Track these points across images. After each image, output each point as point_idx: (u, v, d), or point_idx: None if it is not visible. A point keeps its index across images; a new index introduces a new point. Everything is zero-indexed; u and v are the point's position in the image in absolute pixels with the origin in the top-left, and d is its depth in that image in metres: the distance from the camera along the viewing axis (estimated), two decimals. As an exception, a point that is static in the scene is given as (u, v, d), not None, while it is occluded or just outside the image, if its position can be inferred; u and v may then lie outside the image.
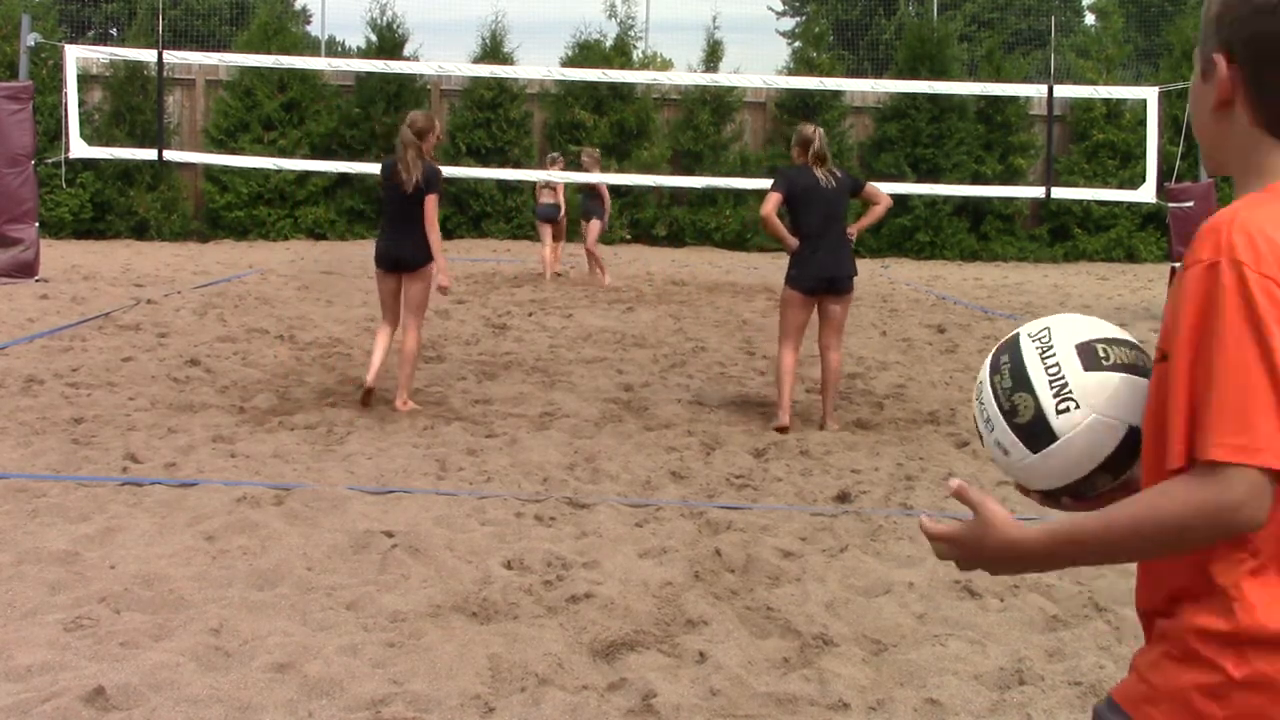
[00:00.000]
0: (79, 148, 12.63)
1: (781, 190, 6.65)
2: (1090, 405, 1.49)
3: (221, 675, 3.30)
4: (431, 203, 6.68)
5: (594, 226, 13.72)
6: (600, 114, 20.63)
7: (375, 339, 7.05)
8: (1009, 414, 1.53)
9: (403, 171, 6.60)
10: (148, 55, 14.20)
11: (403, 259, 6.72)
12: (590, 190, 13.98)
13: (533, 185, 16.21)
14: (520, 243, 19.66)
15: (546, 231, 14.37)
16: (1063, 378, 1.51)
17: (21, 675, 3.25)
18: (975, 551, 1.45)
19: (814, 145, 6.75)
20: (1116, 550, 1.35)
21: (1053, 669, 3.51)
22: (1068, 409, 1.50)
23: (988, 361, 1.62)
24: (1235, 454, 1.24)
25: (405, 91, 20.27)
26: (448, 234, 20.43)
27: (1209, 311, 1.28)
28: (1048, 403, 1.51)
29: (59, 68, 13.38)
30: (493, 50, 21.17)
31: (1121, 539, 1.33)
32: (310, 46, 23.95)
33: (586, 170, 13.92)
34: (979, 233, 20.53)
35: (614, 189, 20.31)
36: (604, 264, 14.03)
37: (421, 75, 19.81)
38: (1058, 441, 1.50)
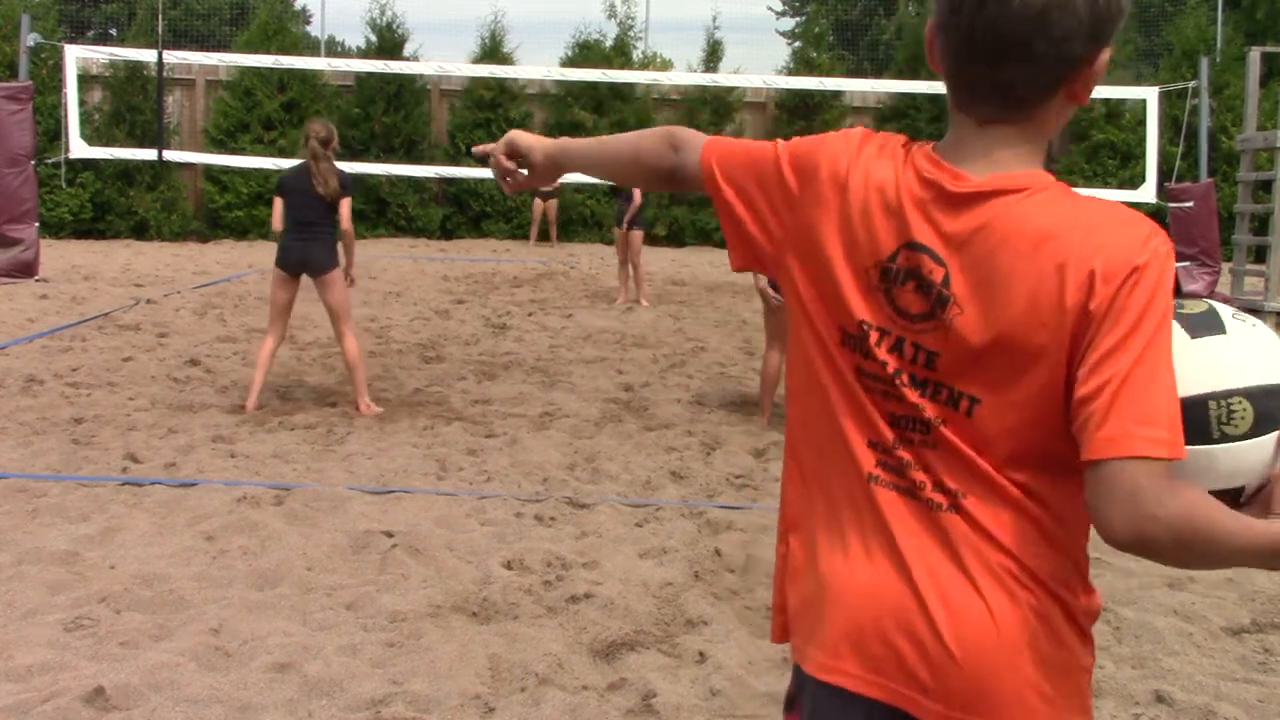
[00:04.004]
0: (79, 148, 12.63)
1: None
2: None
3: (221, 675, 3.30)
4: (346, 205, 6.75)
5: (636, 238, 12.65)
6: (600, 114, 20.63)
7: (259, 354, 6.90)
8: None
9: (318, 183, 6.61)
10: (148, 55, 14.20)
11: (311, 261, 6.68)
12: (623, 192, 12.93)
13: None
14: (520, 243, 19.67)
15: (539, 205, 18.23)
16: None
17: (21, 675, 3.25)
18: None
19: None
20: None
21: (1053, 669, 3.51)
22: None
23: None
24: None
25: (405, 91, 20.27)
26: (447, 234, 20.49)
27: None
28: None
29: (59, 68, 13.38)
30: (492, 50, 21.18)
31: None
32: (310, 46, 23.95)
33: None
34: (979, 233, 20.52)
35: (614, 189, 20.33)
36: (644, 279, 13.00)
37: (421, 75, 19.81)
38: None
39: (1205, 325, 1.40)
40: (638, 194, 12.56)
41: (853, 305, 1.40)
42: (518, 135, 1.80)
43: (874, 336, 1.38)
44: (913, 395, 1.37)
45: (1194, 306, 1.43)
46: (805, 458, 1.49)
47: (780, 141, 1.52)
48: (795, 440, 1.51)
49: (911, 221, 1.37)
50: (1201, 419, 1.34)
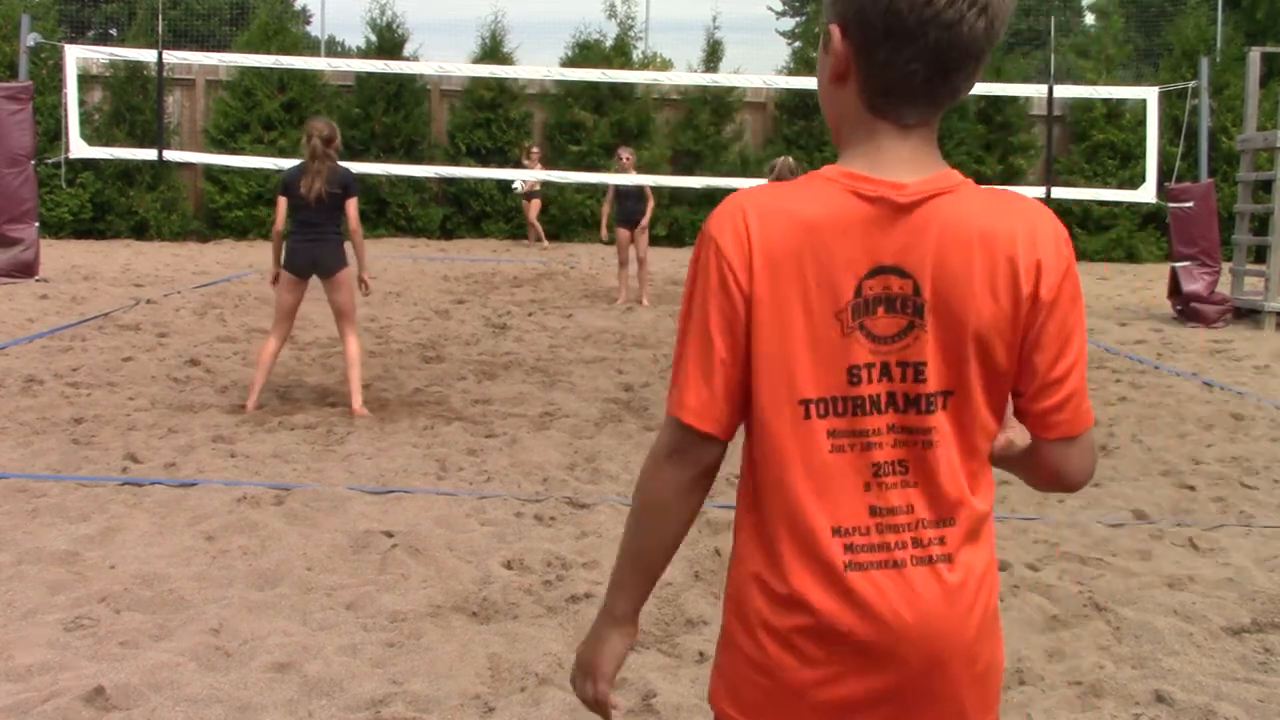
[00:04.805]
0: (79, 148, 12.62)
1: None
2: None
3: (221, 675, 3.30)
4: (353, 205, 6.72)
5: (644, 237, 12.50)
6: (600, 114, 20.64)
7: (261, 354, 6.88)
8: None
9: (304, 184, 6.57)
10: (148, 55, 14.19)
11: (320, 262, 6.66)
12: (631, 191, 12.68)
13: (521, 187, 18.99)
14: (520, 242, 19.67)
15: (533, 207, 18.84)
16: None
17: (21, 675, 3.25)
18: None
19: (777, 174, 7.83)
20: None
21: (1053, 669, 3.51)
22: None
23: None
24: None
25: (405, 91, 20.28)
26: (447, 234, 20.49)
27: None
28: None
29: (59, 68, 13.37)
30: (493, 50, 21.18)
31: None
32: (310, 46, 23.96)
33: (625, 171, 12.82)
34: (979, 233, 20.52)
35: (620, 190, 20.31)
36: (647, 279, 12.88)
37: (421, 75, 19.81)
38: None
39: None
40: (649, 192, 12.57)
41: (840, 357, 1.38)
42: (605, 662, 1.54)
43: (864, 374, 1.39)
44: (902, 420, 1.40)
45: None
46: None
47: (704, 288, 1.41)
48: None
49: (868, 245, 1.37)
50: None
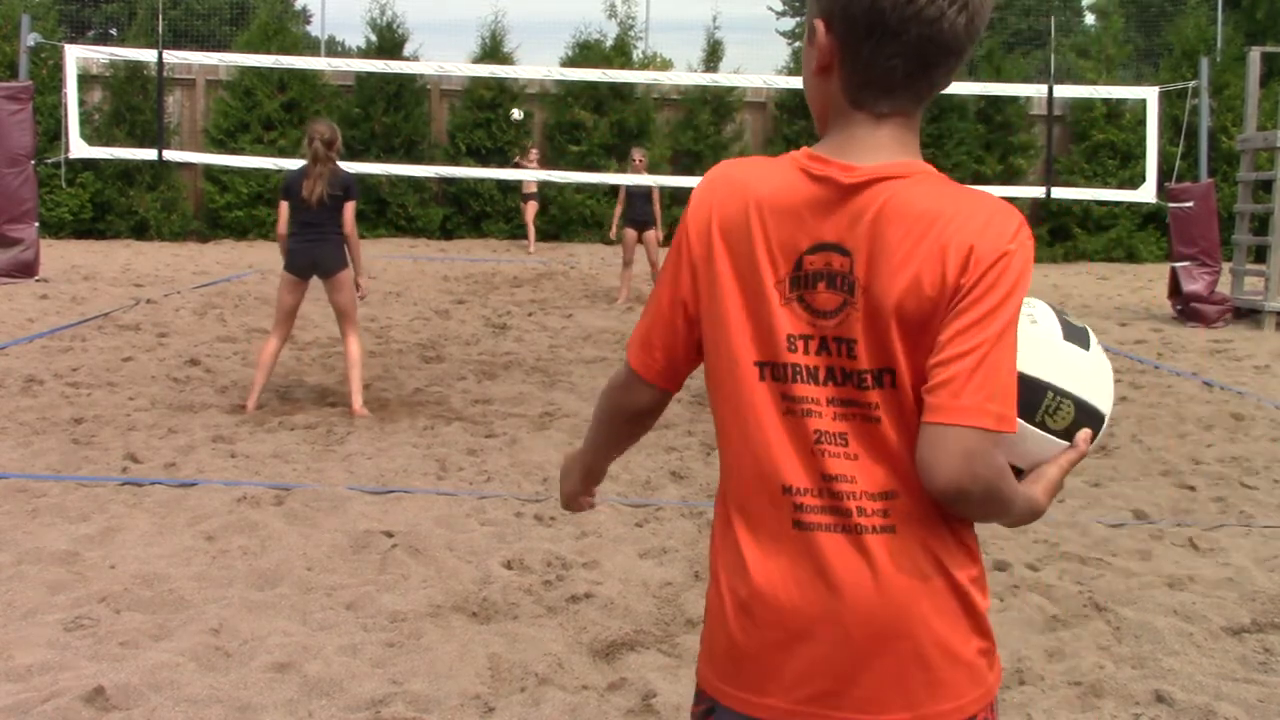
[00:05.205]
0: (79, 148, 12.62)
1: None
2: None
3: (221, 675, 3.30)
4: (350, 208, 6.75)
5: (652, 237, 12.55)
6: (600, 114, 20.64)
7: (261, 354, 6.88)
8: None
9: (305, 187, 6.59)
10: (148, 55, 14.19)
11: (320, 262, 6.66)
12: (645, 193, 12.55)
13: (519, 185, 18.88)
14: (520, 242, 19.67)
15: (529, 207, 18.67)
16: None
17: (21, 675, 3.25)
18: None
19: None
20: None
21: (1053, 669, 3.51)
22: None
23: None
24: None
25: (405, 92, 20.28)
26: (447, 234, 20.49)
27: None
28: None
29: (59, 68, 13.37)
30: (493, 50, 21.18)
31: None
32: (310, 46, 23.98)
33: (638, 172, 12.77)
34: (979, 233, 20.51)
35: (614, 189, 20.29)
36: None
37: (421, 75, 19.80)
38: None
39: (1076, 337, 1.56)
40: (656, 193, 12.60)
41: (776, 326, 1.43)
42: (569, 484, 1.84)
43: (800, 345, 1.42)
44: (841, 393, 1.42)
45: (1074, 320, 1.60)
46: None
47: (682, 234, 1.53)
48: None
49: (811, 222, 1.41)
50: (1035, 400, 1.49)
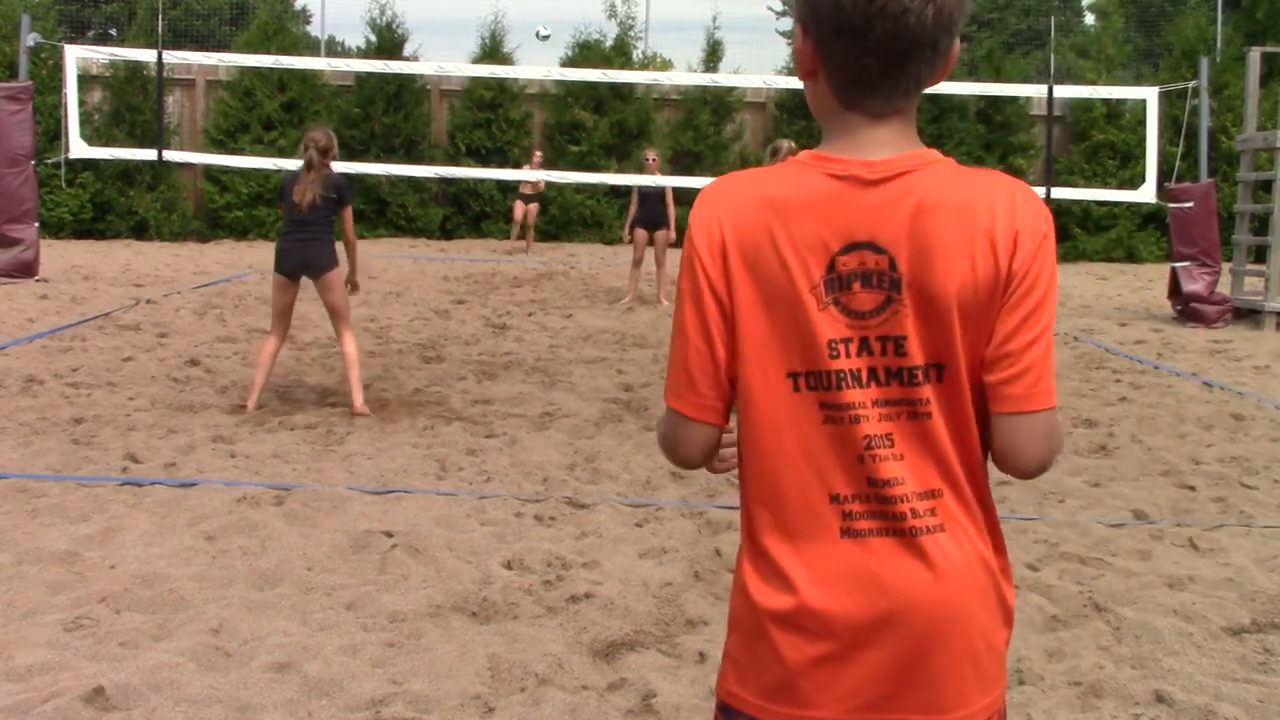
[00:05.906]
0: (79, 148, 12.62)
1: None
2: None
3: (221, 675, 3.30)
4: (349, 213, 6.80)
5: (663, 237, 12.59)
6: (600, 114, 20.64)
7: (260, 354, 6.89)
8: None
9: (296, 192, 6.62)
10: (148, 55, 14.19)
11: (310, 262, 6.66)
12: (658, 194, 12.54)
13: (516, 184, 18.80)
14: (520, 243, 19.66)
15: (520, 207, 18.49)
16: None
17: (21, 675, 3.25)
18: None
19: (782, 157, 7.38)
20: None
21: (1053, 669, 3.51)
22: None
23: None
24: None
25: (405, 92, 20.28)
26: (447, 234, 20.49)
27: None
28: None
29: (59, 68, 13.38)
30: (493, 50, 21.19)
31: None
32: (310, 46, 23.99)
33: (651, 173, 12.68)
34: (979, 233, 20.52)
35: (614, 189, 20.29)
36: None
37: (421, 75, 19.81)
38: None
39: None
40: (669, 193, 12.62)
41: (817, 332, 1.41)
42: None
43: (842, 349, 1.41)
44: (885, 394, 1.41)
45: None
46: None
47: (692, 277, 1.47)
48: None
49: (839, 222, 1.40)
50: None
